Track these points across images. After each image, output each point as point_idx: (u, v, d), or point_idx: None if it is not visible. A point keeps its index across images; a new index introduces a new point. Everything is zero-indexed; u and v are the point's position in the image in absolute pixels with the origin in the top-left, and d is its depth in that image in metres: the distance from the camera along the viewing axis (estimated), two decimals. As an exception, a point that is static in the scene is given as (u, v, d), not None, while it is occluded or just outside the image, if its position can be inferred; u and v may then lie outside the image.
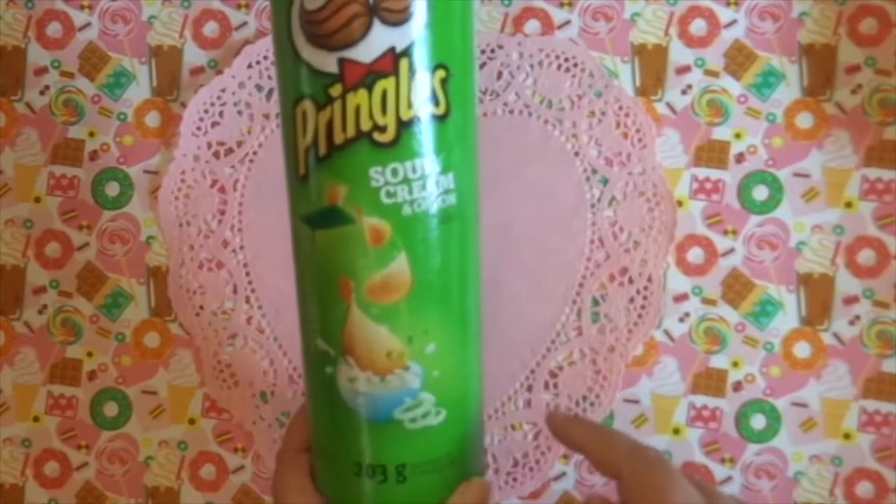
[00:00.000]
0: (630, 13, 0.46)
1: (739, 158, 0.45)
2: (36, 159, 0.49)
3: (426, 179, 0.31)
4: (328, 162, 0.31)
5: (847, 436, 0.44)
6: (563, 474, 0.46)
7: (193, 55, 0.48)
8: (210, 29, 0.48)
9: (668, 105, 0.46)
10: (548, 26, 0.46)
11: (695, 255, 0.46)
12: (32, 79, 0.49)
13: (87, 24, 0.49)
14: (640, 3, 0.46)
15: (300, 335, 0.35)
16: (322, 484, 0.35)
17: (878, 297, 0.44)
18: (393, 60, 0.30)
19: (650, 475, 0.32)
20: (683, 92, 0.46)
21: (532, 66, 0.46)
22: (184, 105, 0.48)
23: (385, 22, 0.30)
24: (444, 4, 0.31)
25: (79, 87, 0.49)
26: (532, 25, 0.46)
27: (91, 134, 0.49)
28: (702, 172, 0.45)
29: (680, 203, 0.45)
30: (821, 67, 0.45)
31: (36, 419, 0.49)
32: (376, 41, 0.30)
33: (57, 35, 0.49)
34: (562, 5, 0.46)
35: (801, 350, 0.45)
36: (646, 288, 0.45)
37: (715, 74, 0.45)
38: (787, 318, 0.45)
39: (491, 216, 0.46)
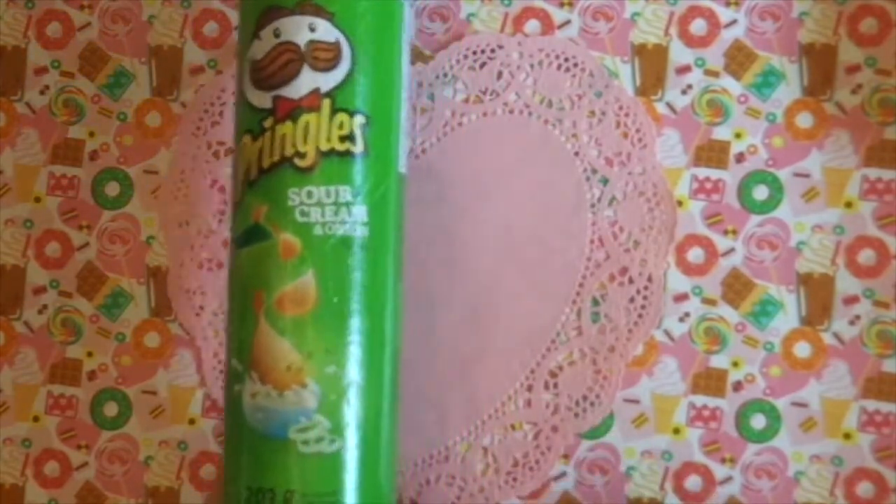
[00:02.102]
0: (630, 13, 0.46)
1: (739, 158, 0.45)
2: (36, 159, 0.49)
3: (339, 207, 0.36)
4: (257, 185, 0.36)
5: (847, 436, 0.44)
6: (563, 474, 0.46)
7: (193, 55, 0.48)
8: (210, 29, 0.48)
9: (668, 105, 0.46)
10: (548, 26, 0.46)
11: (695, 254, 0.46)
12: (32, 79, 0.49)
13: (87, 24, 0.49)
14: (640, 3, 0.46)
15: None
16: None
17: (879, 297, 0.44)
18: (317, 99, 0.36)
19: None
20: (683, 92, 0.46)
21: (532, 65, 0.46)
22: (184, 105, 0.48)
23: (313, 68, 0.36)
24: (365, 62, 0.37)
25: (79, 87, 0.49)
26: (532, 25, 0.46)
27: (91, 134, 0.49)
28: (702, 172, 0.45)
29: (680, 203, 0.45)
30: (821, 67, 0.45)
31: (36, 419, 0.49)
32: (304, 82, 0.36)
33: (57, 35, 0.49)
34: (562, 5, 0.46)
35: (801, 350, 0.45)
36: (646, 288, 0.45)
37: (715, 74, 0.45)
38: (788, 318, 0.45)
39: (491, 216, 0.46)
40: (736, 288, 0.45)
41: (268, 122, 0.36)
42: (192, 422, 0.48)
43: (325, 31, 0.36)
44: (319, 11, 0.36)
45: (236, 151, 0.38)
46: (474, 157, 0.46)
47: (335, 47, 0.36)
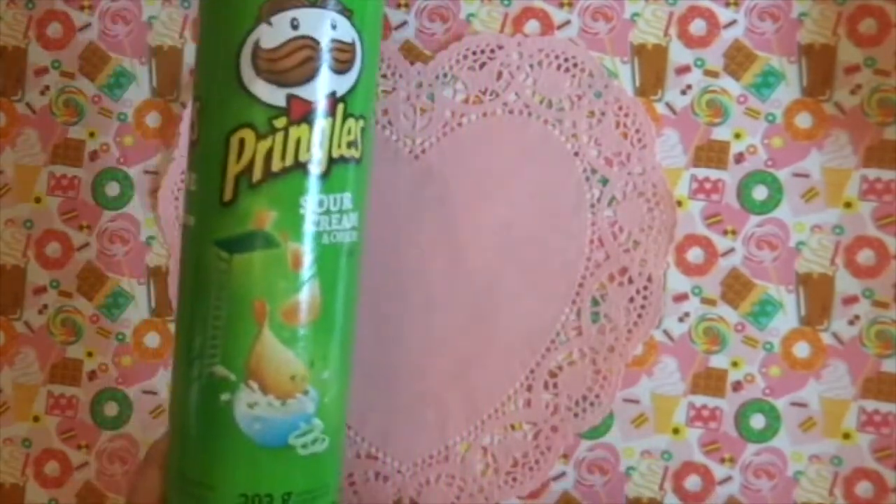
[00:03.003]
0: (630, 13, 0.46)
1: (739, 158, 0.45)
2: (36, 159, 0.49)
3: (343, 214, 0.35)
4: (262, 188, 0.34)
5: (846, 436, 0.44)
6: (562, 474, 0.46)
7: (193, 55, 0.48)
8: (210, 29, 0.48)
9: (668, 105, 0.46)
10: (547, 26, 0.46)
11: (694, 254, 0.46)
12: (33, 79, 0.49)
13: (88, 25, 0.49)
14: (639, 3, 0.46)
15: (179, 369, 0.36)
16: None
17: (878, 297, 0.44)
18: (333, 103, 0.34)
19: None
20: (683, 92, 0.46)
21: (532, 66, 0.46)
22: (184, 105, 0.48)
23: (332, 69, 0.34)
24: (370, 65, 0.36)
25: (79, 88, 0.49)
26: (532, 25, 0.46)
27: (91, 134, 0.49)
28: (701, 172, 0.46)
29: (679, 203, 0.46)
30: (820, 67, 0.45)
31: (36, 419, 0.49)
32: (322, 84, 0.34)
33: (57, 35, 0.49)
34: (561, 5, 0.46)
35: (801, 350, 0.45)
36: (645, 288, 0.45)
37: (714, 74, 0.45)
38: (787, 318, 0.45)
39: (491, 216, 0.46)
40: (735, 288, 0.45)
41: (280, 122, 0.34)
42: (192, 422, 0.48)
43: (345, 30, 0.35)
44: (341, 8, 0.35)
45: (220, 143, 0.34)
46: (474, 157, 0.46)
47: (352, 48, 0.35)
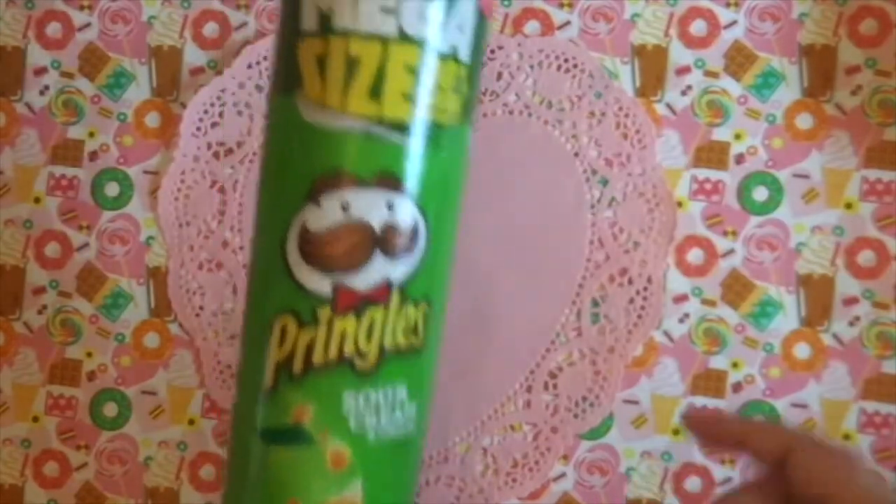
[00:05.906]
0: (630, 14, 0.46)
1: (739, 159, 0.45)
2: (36, 159, 0.49)
3: (395, 407, 0.31)
4: (302, 381, 0.31)
5: (847, 437, 0.44)
6: (562, 475, 0.46)
7: (193, 55, 0.48)
8: (210, 29, 0.48)
9: (668, 106, 0.46)
10: (548, 27, 0.46)
11: (694, 255, 0.46)
12: (32, 79, 0.49)
13: (87, 25, 0.49)
14: (640, 4, 0.46)
15: None
16: None
17: (878, 298, 0.44)
18: (387, 291, 0.30)
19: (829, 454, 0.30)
20: (683, 93, 0.46)
21: (532, 66, 0.46)
22: (184, 105, 0.48)
23: (387, 254, 0.30)
24: (438, 242, 0.31)
25: (79, 88, 0.49)
26: (532, 26, 0.46)
27: (91, 134, 0.49)
28: (701, 173, 0.45)
29: (680, 204, 0.45)
30: (821, 68, 0.45)
31: (35, 419, 0.49)
32: (375, 271, 0.30)
33: (57, 35, 0.49)
34: (562, 6, 0.46)
35: (801, 351, 0.45)
36: (645, 289, 0.45)
37: (715, 75, 0.45)
38: (787, 319, 0.45)
39: (491, 216, 0.46)
40: (736, 289, 0.45)
41: (324, 313, 0.30)
42: (191, 422, 0.48)
43: (404, 210, 0.30)
44: (399, 185, 0.30)
45: (265, 328, 0.31)
46: (474, 158, 0.46)
47: (413, 230, 0.30)
